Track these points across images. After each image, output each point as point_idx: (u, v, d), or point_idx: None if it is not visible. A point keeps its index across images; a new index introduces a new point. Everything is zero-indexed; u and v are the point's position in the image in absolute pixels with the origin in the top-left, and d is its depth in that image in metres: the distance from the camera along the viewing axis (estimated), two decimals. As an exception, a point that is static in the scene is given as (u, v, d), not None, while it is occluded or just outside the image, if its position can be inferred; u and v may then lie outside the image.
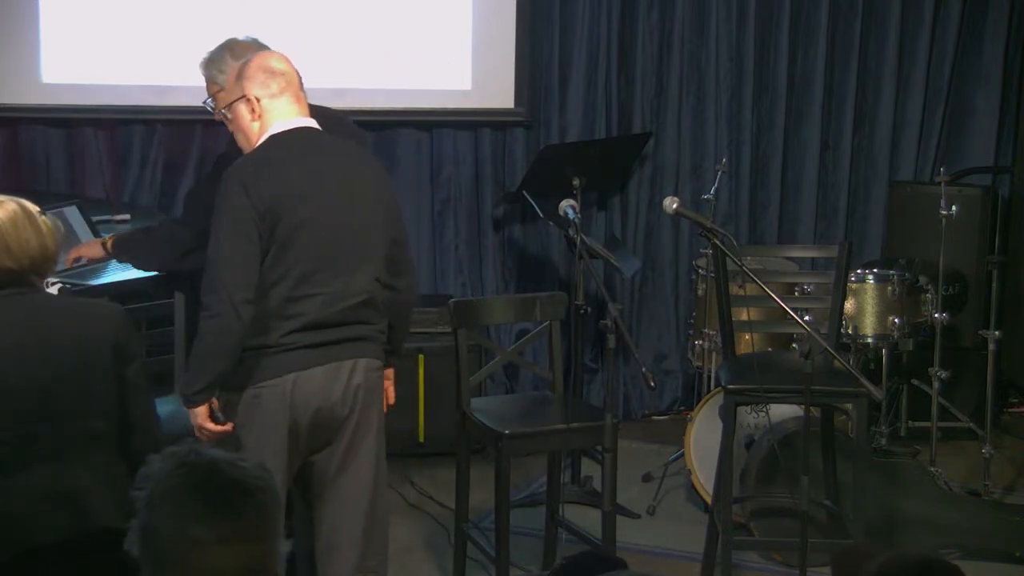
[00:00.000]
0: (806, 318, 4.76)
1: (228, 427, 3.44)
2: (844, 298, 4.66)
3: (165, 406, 3.58)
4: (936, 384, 5.28)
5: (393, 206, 3.69)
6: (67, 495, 3.02)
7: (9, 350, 3.03)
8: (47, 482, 3.01)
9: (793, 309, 3.94)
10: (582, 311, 4.50)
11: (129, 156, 5.89)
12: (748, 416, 4.91)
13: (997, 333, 5.30)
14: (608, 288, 5.87)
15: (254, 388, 3.45)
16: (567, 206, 4.33)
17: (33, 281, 3.13)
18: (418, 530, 4.97)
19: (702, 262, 5.37)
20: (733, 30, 6.19)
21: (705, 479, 4.90)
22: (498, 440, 4.11)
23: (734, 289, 4.53)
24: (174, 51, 5.58)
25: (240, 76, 3.56)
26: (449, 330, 4.48)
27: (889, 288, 5.20)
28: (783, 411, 4.77)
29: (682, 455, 5.20)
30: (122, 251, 4.20)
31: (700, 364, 5.36)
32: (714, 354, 5.22)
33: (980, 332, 5.53)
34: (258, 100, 3.51)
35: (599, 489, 4.43)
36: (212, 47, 3.99)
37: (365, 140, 4.35)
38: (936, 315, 5.24)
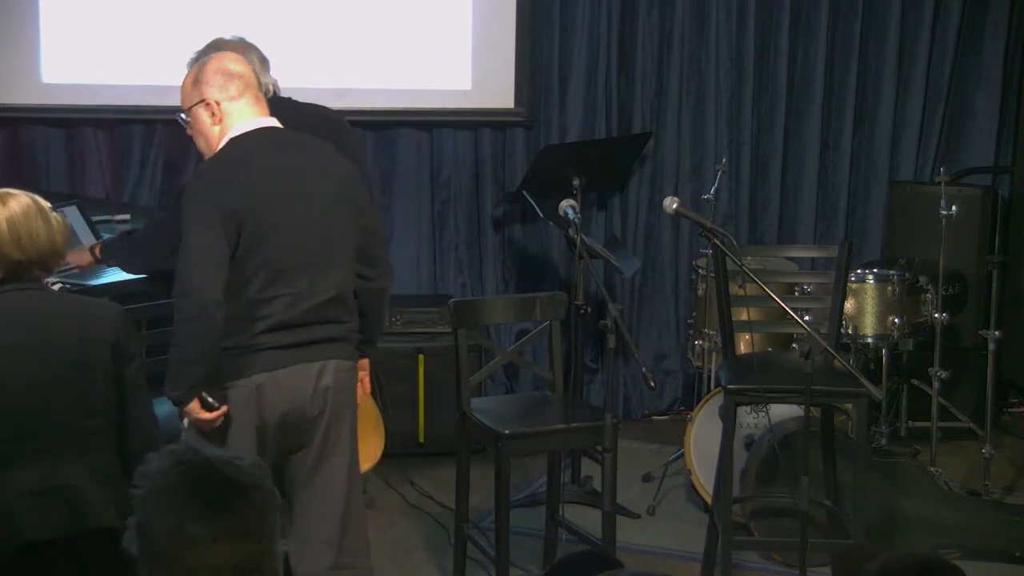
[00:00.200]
0: (806, 318, 4.76)
1: (224, 408, 3.45)
2: (844, 298, 4.66)
3: (164, 406, 3.57)
4: (936, 384, 5.28)
5: (362, 198, 3.67)
6: (63, 492, 3.02)
7: (8, 349, 3.04)
8: (43, 479, 3.01)
9: (793, 309, 3.94)
10: (582, 311, 4.50)
11: (129, 156, 5.89)
12: (748, 416, 4.91)
13: (997, 333, 5.30)
14: (608, 288, 5.87)
15: (222, 389, 3.45)
16: (567, 206, 4.33)
17: (37, 276, 3.15)
18: (418, 530, 4.97)
19: (702, 262, 5.37)
20: (733, 30, 6.19)
21: (705, 479, 4.90)
22: (498, 440, 4.10)
23: (734, 289, 4.53)
24: (174, 51, 5.50)
25: (197, 80, 3.55)
26: (449, 330, 4.48)
27: (889, 288, 5.20)
28: (783, 411, 4.77)
29: (682, 455, 5.20)
30: (109, 256, 4.21)
31: (700, 364, 5.36)
32: (714, 354, 5.22)
33: (980, 332, 5.53)
34: (218, 104, 3.51)
35: (599, 489, 4.43)
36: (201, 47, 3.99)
37: (342, 127, 4.31)
38: (936, 315, 5.24)
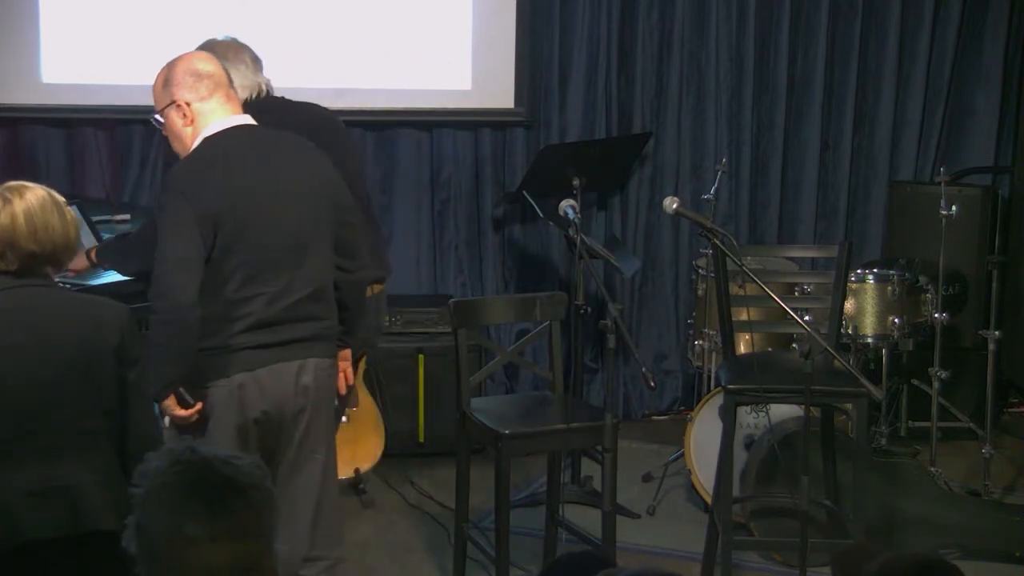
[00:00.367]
0: (806, 318, 4.76)
1: (198, 406, 3.47)
2: (844, 298, 4.66)
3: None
4: (936, 384, 5.28)
5: (340, 190, 3.66)
6: (63, 492, 3.02)
7: (9, 349, 3.03)
8: (42, 479, 3.01)
9: (793, 309, 3.94)
10: (582, 311, 4.50)
11: (129, 156, 5.89)
12: (748, 416, 4.91)
13: (997, 333, 5.30)
14: (608, 288, 5.87)
15: (203, 388, 3.47)
16: (567, 206, 4.32)
17: (48, 272, 3.15)
18: (418, 530, 4.97)
19: (702, 262, 5.37)
20: (733, 30, 6.19)
21: (705, 479, 4.90)
22: (498, 440, 4.10)
23: (734, 289, 4.53)
24: (174, 51, 5.51)
25: (167, 82, 3.55)
26: (449, 330, 4.48)
27: (889, 288, 5.20)
28: (783, 411, 4.77)
29: (682, 455, 5.20)
30: (105, 259, 4.21)
31: (700, 364, 5.36)
32: (714, 354, 5.22)
33: (980, 332, 5.53)
34: (188, 104, 3.51)
35: (599, 489, 4.43)
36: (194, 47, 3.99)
37: (336, 126, 4.30)
38: (936, 315, 5.24)
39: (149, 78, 5.61)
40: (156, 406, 3.48)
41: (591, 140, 6.02)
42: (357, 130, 5.86)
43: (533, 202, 5.21)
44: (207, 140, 3.50)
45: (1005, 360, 5.80)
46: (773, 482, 4.64)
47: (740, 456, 4.71)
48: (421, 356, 5.54)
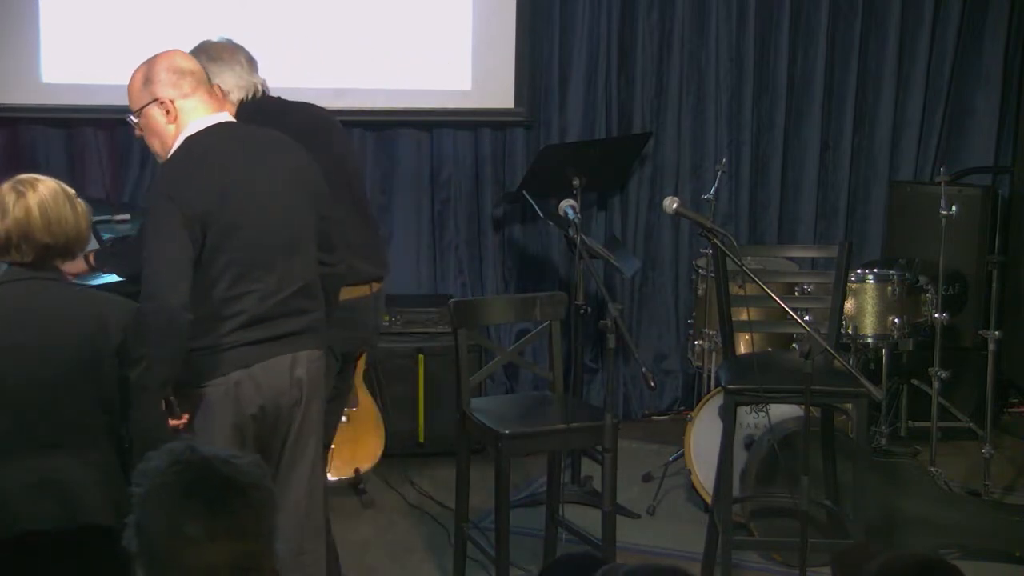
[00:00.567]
0: (806, 318, 4.76)
1: (184, 418, 3.45)
2: (844, 298, 4.66)
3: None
4: (936, 384, 5.28)
5: (319, 185, 3.65)
6: (59, 487, 3.02)
7: (9, 349, 3.04)
8: (40, 473, 3.01)
9: (793, 309, 3.94)
10: (582, 311, 4.50)
11: (129, 156, 5.89)
12: (748, 416, 4.91)
13: (997, 333, 5.30)
14: (608, 288, 5.87)
15: (199, 388, 3.46)
16: (567, 206, 4.32)
17: (58, 264, 3.16)
18: (418, 530, 4.98)
19: (702, 262, 5.37)
20: (733, 30, 6.19)
21: (705, 479, 4.90)
22: (498, 440, 4.10)
23: (734, 289, 4.53)
24: (174, 51, 5.57)
25: (148, 80, 3.54)
26: (449, 330, 4.48)
27: (889, 288, 5.20)
28: (783, 411, 4.77)
29: (682, 455, 5.20)
30: (104, 262, 4.21)
31: (700, 364, 5.36)
32: (714, 354, 5.22)
33: (980, 332, 5.53)
34: (172, 101, 3.50)
35: (599, 489, 4.43)
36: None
37: (332, 126, 4.29)
38: (936, 315, 5.24)
39: (149, 78, 5.69)
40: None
41: (591, 140, 6.02)
42: (357, 130, 5.87)
43: (533, 202, 5.21)
44: (190, 139, 3.48)
45: (1005, 360, 5.80)
46: (773, 482, 4.64)
47: (740, 456, 4.71)
48: (421, 356, 5.54)
